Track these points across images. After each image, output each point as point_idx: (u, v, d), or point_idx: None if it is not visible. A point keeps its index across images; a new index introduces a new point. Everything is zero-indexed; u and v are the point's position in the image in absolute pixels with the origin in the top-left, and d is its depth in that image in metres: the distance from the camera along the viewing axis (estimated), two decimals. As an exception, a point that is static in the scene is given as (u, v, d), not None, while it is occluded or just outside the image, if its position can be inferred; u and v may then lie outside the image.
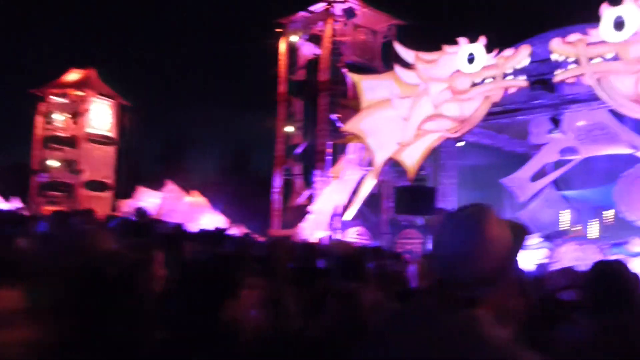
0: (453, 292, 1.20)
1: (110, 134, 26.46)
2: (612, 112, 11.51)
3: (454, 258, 1.20)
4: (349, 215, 14.23)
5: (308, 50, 16.54)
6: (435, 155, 14.10)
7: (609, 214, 15.26)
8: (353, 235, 14.40)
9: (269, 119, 17.40)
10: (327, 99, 14.98)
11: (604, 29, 8.77)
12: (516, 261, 1.32)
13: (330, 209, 14.50)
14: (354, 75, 13.62)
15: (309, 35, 16.28)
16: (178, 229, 7.34)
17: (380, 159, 12.81)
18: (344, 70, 14.94)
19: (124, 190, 19.98)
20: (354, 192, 14.26)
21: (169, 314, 2.52)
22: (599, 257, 12.24)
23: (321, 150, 14.97)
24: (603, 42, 8.81)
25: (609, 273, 2.24)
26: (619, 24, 8.61)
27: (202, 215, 15.45)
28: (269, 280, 3.01)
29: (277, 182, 16.73)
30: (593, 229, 15.33)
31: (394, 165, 13.47)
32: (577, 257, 12.34)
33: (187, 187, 16.70)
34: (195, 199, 16.10)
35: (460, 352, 1.13)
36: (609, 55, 8.77)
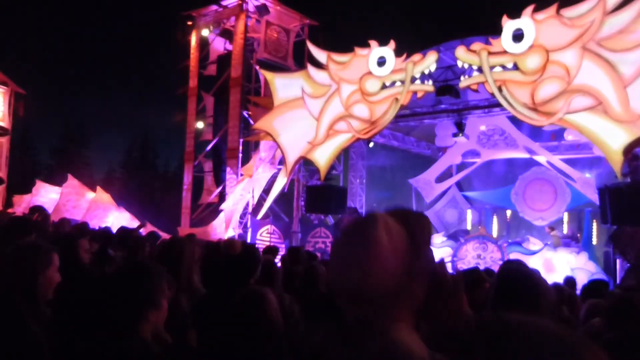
0: (361, 313, 1.08)
1: (3, 124, 24.40)
2: (510, 119, 12.14)
3: (348, 274, 1.10)
4: (261, 213, 14.04)
5: (220, 45, 16.11)
6: (346, 155, 14.25)
7: (508, 214, 16.19)
8: (264, 234, 14.24)
9: (178, 114, 16.77)
10: (238, 96, 14.65)
11: (505, 40, 9.19)
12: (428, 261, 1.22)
13: (241, 207, 14.23)
14: (266, 72, 13.42)
15: (220, 30, 15.85)
16: (78, 227, 6.84)
17: (291, 157, 12.73)
18: (257, 67, 14.69)
19: (19, 184, 18.49)
20: (265, 191, 14.09)
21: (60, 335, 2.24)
22: (498, 255, 12.92)
23: (232, 147, 14.63)
24: (504, 52, 9.23)
25: (513, 273, 2.30)
26: (518, 36, 9.06)
27: (106, 213, 14.61)
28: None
29: (187, 178, 16.17)
30: (493, 229, 16.19)
31: (305, 164, 13.44)
32: (478, 255, 12.94)
33: (89, 183, 15.72)
34: (99, 195, 15.19)
35: None
36: (509, 65, 9.20)
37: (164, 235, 9.94)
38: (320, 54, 12.07)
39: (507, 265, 2.97)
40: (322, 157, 12.24)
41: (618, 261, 10.41)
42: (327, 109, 11.89)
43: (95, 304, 2.18)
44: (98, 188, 15.40)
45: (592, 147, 9.47)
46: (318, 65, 12.15)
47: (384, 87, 10.87)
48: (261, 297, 2.42)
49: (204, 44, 16.21)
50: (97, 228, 9.06)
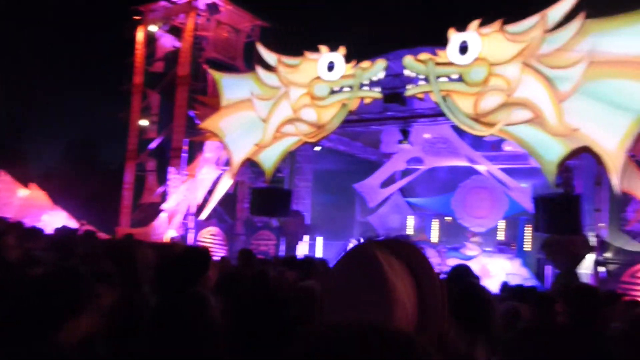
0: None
1: None
2: (454, 128, 12.50)
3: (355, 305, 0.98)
4: (204, 215, 13.81)
5: (168, 42, 15.76)
6: (292, 158, 14.25)
7: (448, 220, 16.64)
8: (207, 236, 14.01)
9: (121, 111, 16.25)
10: (185, 94, 14.38)
11: (451, 51, 9.48)
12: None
13: (184, 208, 13.95)
14: (214, 72, 13.24)
15: (169, 27, 15.52)
16: (6, 224, 6.51)
17: (237, 159, 12.61)
18: (205, 66, 14.46)
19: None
20: (210, 192, 13.87)
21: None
22: (437, 260, 13.26)
23: (177, 146, 14.34)
24: (449, 63, 9.52)
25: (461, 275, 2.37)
26: (463, 49, 9.37)
27: (41, 212, 13.97)
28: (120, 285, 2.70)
29: (128, 177, 15.70)
30: (434, 234, 16.60)
31: (251, 166, 13.34)
32: (418, 260, 13.22)
33: (23, 179, 14.96)
34: (33, 192, 14.49)
35: None
36: (454, 76, 9.49)
37: (102, 236, 9.60)
38: (270, 56, 12.04)
39: (458, 277, 3.05)
40: (269, 160, 12.19)
41: (549, 267, 10.91)
42: (275, 111, 11.86)
43: (13, 305, 2.05)
44: (33, 185, 14.70)
45: (528, 158, 9.88)
46: (268, 67, 12.11)
47: (332, 92, 10.96)
48: (202, 299, 2.37)
49: (151, 39, 15.82)
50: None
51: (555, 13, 8.67)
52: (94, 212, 16.20)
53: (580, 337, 2.66)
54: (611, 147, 8.25)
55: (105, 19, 17.71)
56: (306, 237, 14.34)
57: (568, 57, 8.57)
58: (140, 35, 15.75)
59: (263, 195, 12.65)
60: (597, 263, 10.26)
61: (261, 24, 15.80)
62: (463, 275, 3.00)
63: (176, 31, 15.38)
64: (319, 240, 14.76)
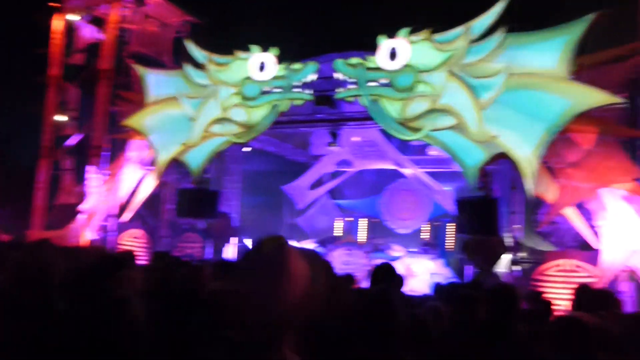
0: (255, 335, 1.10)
1: None
2: (381, 132, 12.78)
3: (255, 298, 1.13)
4: (126, 216, 13.27)
5: (89, 33, 14.98)
6: (221, 158, 14.01)
7: (375, 222, 16.99)
8: (129, 239, 13.48)
9: (36, 104, 15.27)
10: (107, 90, 13.74)
11: (380, 57, 9.69)
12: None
13: (104, 209, 13.33)
14: (139, 67, 12.76)
15: (91, 17, 14.78)
16: None
17: (163, 158, 12.21)
18: (129, 60, 13.88)
19: None
20: (133, 193, 13.34)
21: None
22: (363, 261, 13.51)
23: (97, 144, 13.68)
24: (379, 68, 9.72)
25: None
26: (392, 55, 9.60)
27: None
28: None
29: (42, 176, 14.78)
30: (361, 236, 16.90)
31: (177, 166, 12.98)
32: (346, 261, 13.43)
33: None
34: None
35: None
36: (383, 81, 9.70)
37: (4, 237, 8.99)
38: (199, 54, 11.76)
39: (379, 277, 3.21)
40: (196, 160, 11.90)
41: (469, 267, 11.42)
42: (204, 110, 11.61)
43: None
44: None
45: (452, 162, 10.27)
46: (197, 65, 11.83)
47: (263, 92, 10.88)
48: (124, 302, 2.28)
49: (70, 30, 14.99)
50: None
51: (479, 25, 9.08)
52: (3, 213, 15.15)
53: (497, 334, 2.79)
54: (526, 154, 8.74)
55: (18, 4, 16.55)
56: (234, 239, 14.15)
57: (489, 67, 9.00)
58: (58, 24, 14.89)
59: (189, 197, 12.33)
60: (513, 262, 10.87)
61: (191, 19, 15.40)
62: (384, 275, 3.19)
63: (99, 22, 14.66)
64: (247, 243, 14.61)
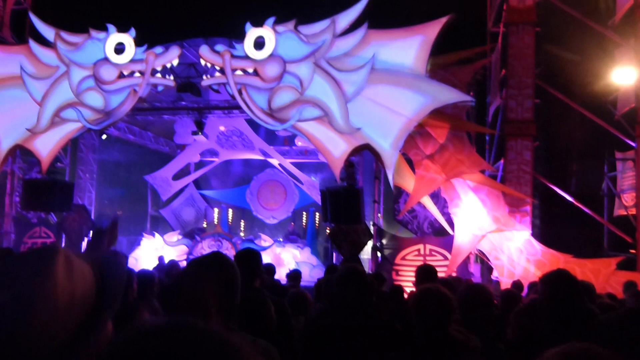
0: None
1: None
2: (248, 122, 12.64)
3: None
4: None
5: None
6: (74, 146, 12.92)
7: (242, 212, 16.85)
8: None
9: None
10: None
11: (247, 45, 9.50)
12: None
13: None
14: (-26, 42, 11.24)
15: None
16: None
17: (5, 145, 10.90)
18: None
19: None
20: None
21: None
22: (232, 252, 13.30)
23: None
24: (246, 57, 9.53)
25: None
26: (259, 44, 9.46)
27: None
28: None
29: None
30: (229, 226, 16.67)
31: (22, 154, 11.69)
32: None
33: None
34: None
35: None
36: (250, 70, 9.54)
37: None
38: (46, 30, 10.62)
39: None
40: (45, 148, 10.79)
41: (335, 254, 11.76)
42: (52, 93, 10.53)
43: None
44: None
45: (318, 153, 10.44)
46: (43, 42, 10.67)
47: (121, 76, 10.13)
48: None
49: None
50: None
51: (344, 19, 9.28)
52: None
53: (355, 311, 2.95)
54: (386, 146, 9.15)
55: None
56: (91, 234, 13.16)
57: (353, 62, 9.25)
58: None
59: (37, 188, 11.17)
60: (375, 249, 11.41)
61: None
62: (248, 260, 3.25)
63: None
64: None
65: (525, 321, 3.05)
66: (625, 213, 10.71)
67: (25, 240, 12.64)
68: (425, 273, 4.38)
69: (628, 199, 10.88)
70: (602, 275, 8.88)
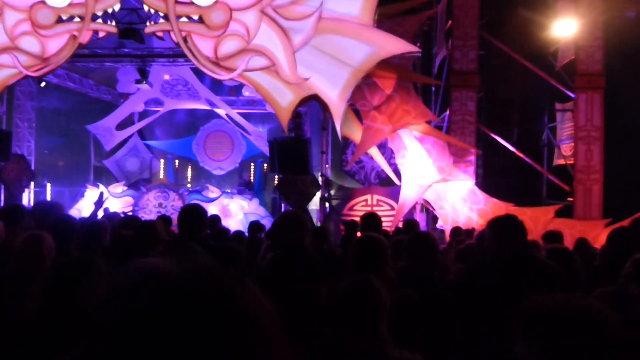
0: None
1: None
2: (194, 71, 12.38)
3: None
4: None
5: None
6: (11, 94, 12.34)
7: (189, 163, 16.69)
8: None
9: None
10: None
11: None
12: None
13: None
14: None
15: None
16: None
17: None
18: None
19: None
20: None
21: None
22: (179, 203, 13.28)
23: None
24: (191, 3, 9.25)
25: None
26: (205, -11, 9.19)
27: None
28: None
29: None
30: (175, 177, 16.51)
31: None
32: (159, 204, 13.05)
33: None
34: None
35: None
36: (195, 17, 9.29)
37: None
38: (-26, -32, 9.92)
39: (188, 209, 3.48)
40: (-22, 95, 10.29)
41: (283, 205, 11.95)
42: (-16, 37, 9.95)
43: None
44: None
45: (265, 103, 10.43)
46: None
47: (60, 20, 9.66)
48: None
49: None
50: None
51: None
52: None
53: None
54: (333, 97, 9.24)
55: None
56: (32, 185, 12.77)
57: (300, 10, 9.15)
58: None
59: (-29, 137, 10.70)
60: (323, 199, 11.66)
61: None
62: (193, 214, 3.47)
63: None
64: (48, 188, 13.31)
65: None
66: (564, 163, 11.07)
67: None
68: (369, 220, 4.56)
69: (567, 149, 11.22)
70: (541, 222, 9.25)
